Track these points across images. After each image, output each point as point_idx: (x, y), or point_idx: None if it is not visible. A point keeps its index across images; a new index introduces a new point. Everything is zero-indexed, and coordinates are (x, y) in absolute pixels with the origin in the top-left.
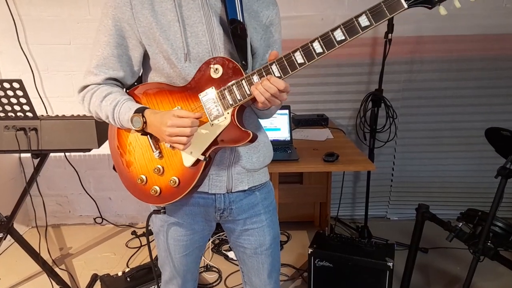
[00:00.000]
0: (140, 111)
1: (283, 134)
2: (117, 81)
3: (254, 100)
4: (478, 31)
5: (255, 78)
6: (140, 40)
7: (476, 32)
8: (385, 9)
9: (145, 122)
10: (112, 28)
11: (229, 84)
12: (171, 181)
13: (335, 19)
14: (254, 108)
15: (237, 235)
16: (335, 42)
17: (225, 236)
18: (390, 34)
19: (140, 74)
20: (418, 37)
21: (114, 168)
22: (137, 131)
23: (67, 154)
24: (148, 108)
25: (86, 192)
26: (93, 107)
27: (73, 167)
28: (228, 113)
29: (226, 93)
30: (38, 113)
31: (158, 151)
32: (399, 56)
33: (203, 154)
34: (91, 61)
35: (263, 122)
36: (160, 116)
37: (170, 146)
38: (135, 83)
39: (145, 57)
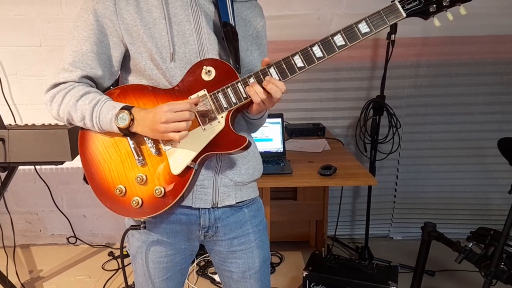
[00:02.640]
0: (127, 108)
1: (275, 145)
2: (93, 82)
3: (249, 104)
4: (491, 31)
5: (252, 81)
6: (121, 38)
7: (488, 32)
8: (384, 16)
9: (132, 120)
10: (94, 23)
11: (224, 87)
12: (156, 191)
13: (332, 18)
14: (246, 117)
15: (223, 257)
16: (336, 47)
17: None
18: (393, 35)
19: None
20: (424, 38)
21: (84, 179)
22: (121, 129)
23: (37, 167)
24: (134, 107)
25: (59, 209)
26: (66, 107)
27: (44, 182)
28: (222, 117)
29: (220, 96)
30: (6, 122)
31: (141, 157)
32: (403, 59)
33: (194, 160)
34: (65, 58)
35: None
36: (152, 114)
37: (156, 151)
38: (111, 87)
39: (125, 58)
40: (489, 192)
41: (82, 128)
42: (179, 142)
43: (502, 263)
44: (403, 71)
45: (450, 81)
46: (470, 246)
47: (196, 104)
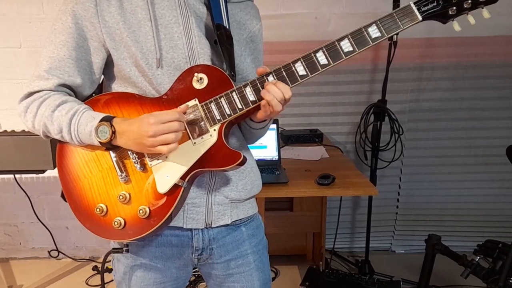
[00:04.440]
0: (107, 119)
1: (270, 152)
2: (71, 90)
3: (245, 115)
4: (499, 32)
5: (248, 90)
6: (103, 43)
7: (497, 33)
8: (397, 19)
9: (113, 132)
10: (72, 26)
11: (217, 96)
12: (140, 211)
13: (331, 18)
14: (247, 126)
15: (219, 281)
16: (342, 53)
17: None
18: (395, 36)
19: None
20: (428, 39)
21: (62, 196)
22: (102, 143)
23: (17, 176)
24: (115, 117)
25: (40, 220)
26: (41, 118)
27: (24, 192)
28: (214, 130)
29: (213, 106)
30: None
31: (124, 173)
32: (406, 61)
33: (182, 178)
34: (40, 65)
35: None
36: (136, 126)
37: (141, 167)
38: (93, 95)
39: (108, 64)
40: (498, 202)
41: (60, 141)
42: (166, 156)
43: (511, 278)
44: (406, 74)
45: (456, 84)
46: (477, 260)
47: (184, 113)
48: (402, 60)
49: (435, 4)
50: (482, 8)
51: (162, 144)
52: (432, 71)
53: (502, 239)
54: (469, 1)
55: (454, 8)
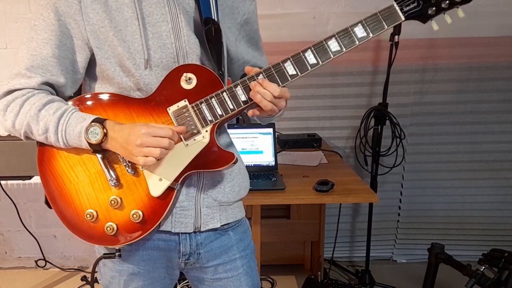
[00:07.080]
0: (99, 121)
1: (266, 158)
2: (53, 90)
3: (236, 115)
4: (505, 32)
5: (239, 90)
6: (86, 41)
7: (502, 33)
8: (382, 19)
9: (105, 134)
10: (55, 23)
11: (207, 97)
12: (134, 216)
13: (330, 17)
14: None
15: (207, 285)
16: (330, 53)
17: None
18: (396, 36)
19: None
20: (431, 39)
21: (46, 202)
22: (92, 145)
23: (2, 182)
24: (107, 119)
25: (26, 228)
26: (24, 118)
27: (10, 198)
28: (206, 131)
29: (204, 107)
30: None
31: (114, 177)
32: (408, 62)
33: (176, 180)
34: (21, 63)
35: (241, 144)
36: (128, 132)
37: (132, 170)
38: (73, 96)
39: (90, 63)
40: (503, 210)
41: (41, 144)
42: (158, 160)
43: None
44: (408, 76)
45: (459, 87)
46: (482, 269)
47: (180, 133)
48: (403, 62)
49: (416, 4)
50: (457, 8)
51: (143, 156)
52: (435, 73)
53: (508, 248)
54: (447, 2)
55: (434, 8)
